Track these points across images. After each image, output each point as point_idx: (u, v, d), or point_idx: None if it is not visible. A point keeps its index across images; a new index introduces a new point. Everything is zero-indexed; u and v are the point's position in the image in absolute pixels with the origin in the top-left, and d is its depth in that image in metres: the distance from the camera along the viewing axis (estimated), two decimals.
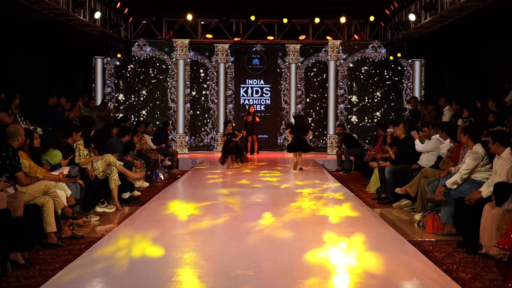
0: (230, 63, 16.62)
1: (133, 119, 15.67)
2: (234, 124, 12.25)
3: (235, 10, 15.60)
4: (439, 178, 7.01)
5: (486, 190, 5.80)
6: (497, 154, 5.87)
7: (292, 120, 12.26)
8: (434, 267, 4.82)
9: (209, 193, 8.72)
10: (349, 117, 16.34)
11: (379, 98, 16.37)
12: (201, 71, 16.69)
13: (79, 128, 7.86)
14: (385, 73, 16.36)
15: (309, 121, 16.55)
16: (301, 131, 11.49)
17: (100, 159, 8.02)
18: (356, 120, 16.41)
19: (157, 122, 15.77)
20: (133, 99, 16.30)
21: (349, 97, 16.32)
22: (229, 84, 16.71)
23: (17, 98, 8.94)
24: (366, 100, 16.39)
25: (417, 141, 8.50)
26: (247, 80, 16.75)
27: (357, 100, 16.38)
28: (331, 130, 16.11)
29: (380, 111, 16.38)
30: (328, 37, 16.09)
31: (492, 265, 4.88)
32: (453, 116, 11.42)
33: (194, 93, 16.67)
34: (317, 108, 16.73)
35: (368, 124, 16.38)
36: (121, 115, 14.82)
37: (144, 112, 16.29)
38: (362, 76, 16.38)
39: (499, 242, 4.42)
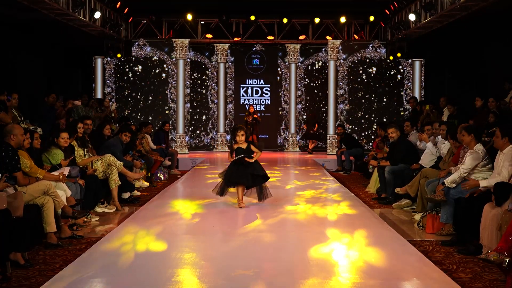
0: (230, 63, 16.63)
1: (131, 118, 15.66)
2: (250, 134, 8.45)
3: (235, 10, 15.60)
4: (439, 178, 7.01)
5: (485, 182, 5.82)
6: (500, 149, 5.85)
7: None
8: (434, 267, 4.82)
9: (209, 193, 8.70)
10: (349, 114, 16.35)
11: (378, 98, 16.37)
12: (201, 71, 16.70)
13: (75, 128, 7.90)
14: (385, 73, 16.36)
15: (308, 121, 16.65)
16: (311, 124, 15.95)
17: (100, 159, 8.03)
18: (356, 120, 16.42)
19: (156, 122, 15.77)
20: (133, 99, 16.30)
21: (349, 97, 16.33)
22: (229, 84, 16.72)
23: (12, 97, 8.93)
24: (366, 100, 16.39)
25: (430, 145, 8.43)
26: (247, 80, 16.76)
27: (357, 100, 16.38)
28: (331, 130, 16.12)
29: (379, 111, 16.37)
30: (328, 37, 16.09)
31: (492, 266, 4.87)
32: (450, 117, 11.41)
33: (194, 93, 16.68)
34: (317, 108, 16.74)
35: (367, 125, 16.38)
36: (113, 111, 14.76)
37: (144, 112, 16.28)
38: (362, 76, 16.38)
39: (498, 247, 4.41)
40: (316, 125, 16.05)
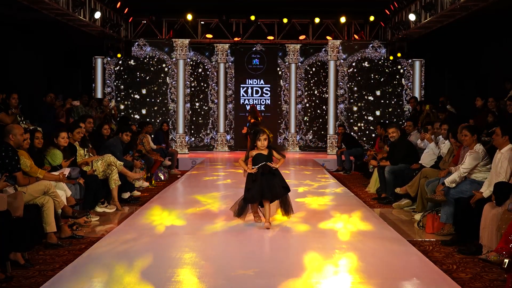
0: (230, 63, 16.62)
1: (131, 118, 15.66)
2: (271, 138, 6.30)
3: (235, 10, 15.59)
4: (439, 178, 7.02)
5: (486, 190, 5.79)
6: (499, 148, 5.84)
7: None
8: (434, 267, 4.82)
9: (209, 193, 8.72)
10: (349, 114, 16.35)
11: (379, 98, 16.37)
12: (201, 71, 16.70)
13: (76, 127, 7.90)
14: (385, 73, 16.35)
15: (308, 121, 16.67)
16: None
17: (100, 159, 8.03)
18: (356, 120, 16.42)
19: (157, 122, 15.77)
20: (133, 99, 16.29)
21: (349, 97, 16.33)
22: (229, 84, 16.71)
23: (12, 97, 8.92)
24: (366, 100, 16.39)
25: (432, 145, 8.43)
26: (247, 80, 16.75)
27: (357, 100, 16.38)
28: (331, 130, 16.12)
29: (380, 111, 16.37)
30: (328, 37, 16.08)
31: (492, 265, 4.87)
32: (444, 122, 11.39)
33: (194, 93, 16.68)
34: (317, 108, 16.73)
35: (367, 125, 16.38)
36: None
37: (144, 112, 16.28)
38: (362, 76, 16.37)
39: (499, 248, 4.41)
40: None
